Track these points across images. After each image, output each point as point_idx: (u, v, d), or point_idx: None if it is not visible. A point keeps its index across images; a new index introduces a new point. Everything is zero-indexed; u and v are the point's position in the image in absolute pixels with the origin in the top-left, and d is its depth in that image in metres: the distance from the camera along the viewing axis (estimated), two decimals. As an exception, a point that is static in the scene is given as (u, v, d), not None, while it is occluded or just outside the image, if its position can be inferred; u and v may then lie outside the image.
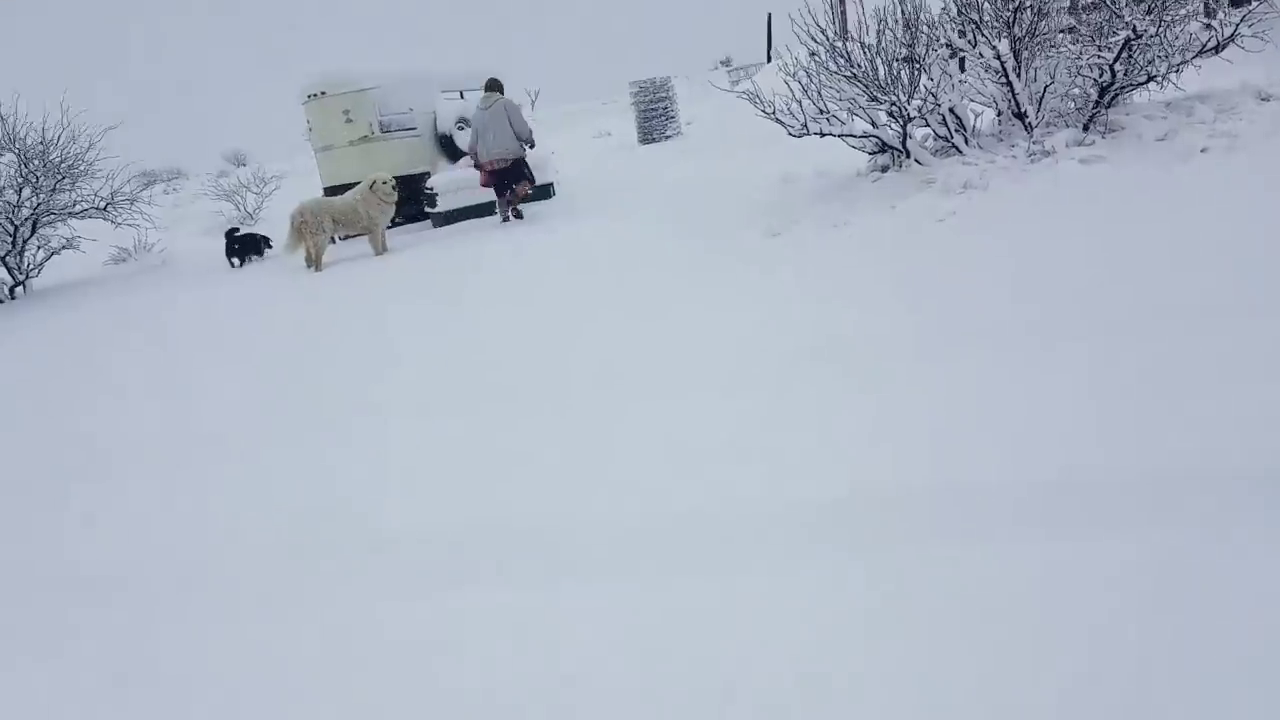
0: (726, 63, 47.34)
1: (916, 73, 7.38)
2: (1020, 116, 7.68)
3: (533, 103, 34.55)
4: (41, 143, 11.10)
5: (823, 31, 7.78)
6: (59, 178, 11.04)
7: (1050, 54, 7.54)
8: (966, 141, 7.87)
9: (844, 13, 9.93)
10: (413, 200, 11.86)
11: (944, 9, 8.10)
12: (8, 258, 11.11)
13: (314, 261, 9.37)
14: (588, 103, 30.23)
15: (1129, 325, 3.57)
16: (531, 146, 10.39)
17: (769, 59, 20.57)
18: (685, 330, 4.88)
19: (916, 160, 7.72)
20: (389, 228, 11.74)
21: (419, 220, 11.83)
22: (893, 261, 5.54)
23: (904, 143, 7.73)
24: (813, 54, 8.00)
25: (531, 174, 10.50)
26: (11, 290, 11.17)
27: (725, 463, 3.08)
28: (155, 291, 10.03)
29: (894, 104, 7.38)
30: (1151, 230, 4.82)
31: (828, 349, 4.04)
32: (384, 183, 9.57)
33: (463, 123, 12.64)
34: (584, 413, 3.87)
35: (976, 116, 8.11)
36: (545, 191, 12.30)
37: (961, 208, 6.32)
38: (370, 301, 7.60)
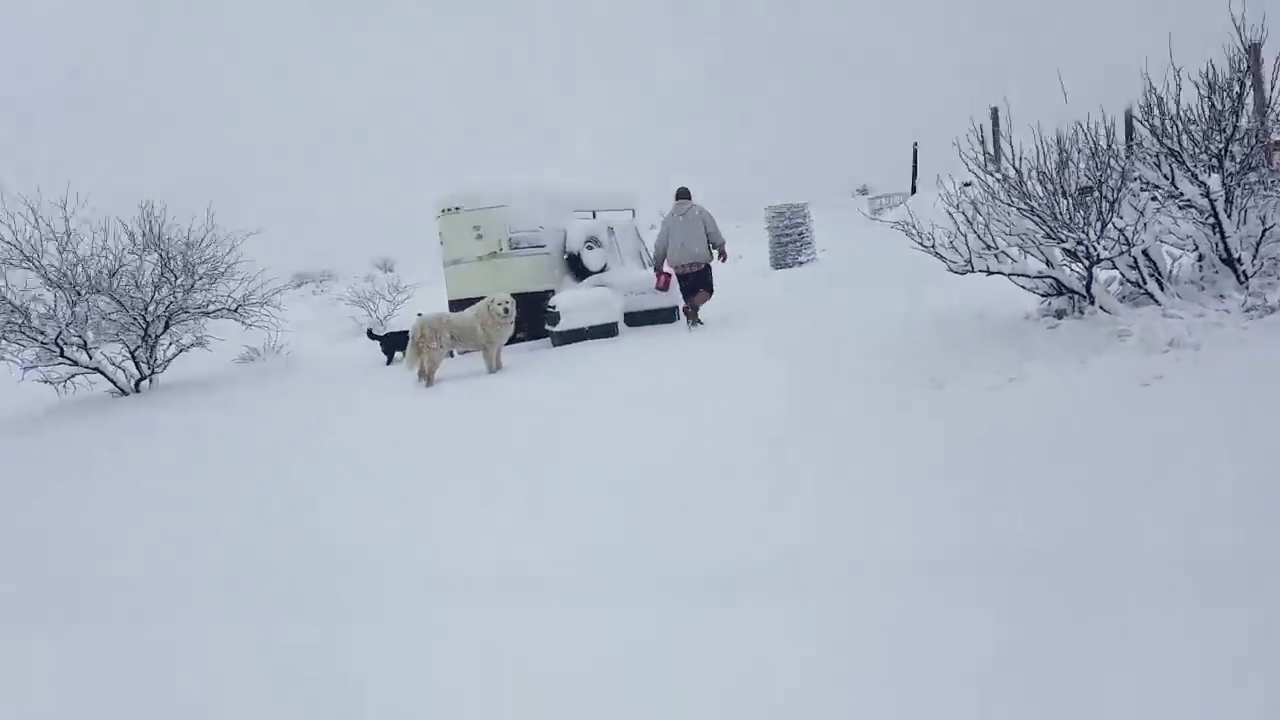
0: (864, 191, 47.17)
1: (1106, 209, 6.40)
2: (1230, 263, 6.56)
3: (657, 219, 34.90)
4: (186, 244, 11.36)
5: (991, 158, 6.96)
6: (196, 278, 11.22)
7: (1270, 193, 6.45)
8: (1162, 288, 6.77)
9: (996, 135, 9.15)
10: (535, 318, 11.47)
11: (1135, 140, 7.16)
12: (137, 352, 11.25)
13: (426, 375, 8.95)
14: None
15: None
16: (723, 258, 10.94)
17: (914, 189, 19.85)
18: (854, 531, 3.95)
19: (1102, 307, 6.66)
20: (510, 343, 11.43)
21: (541, 337, 11.40)
22: (1099, 435, 4.48)
23: (1088, 286, 6.69)
24: (967, 184, 7.19)
25: (712, 283, 10.91)
26: (137, 384, 11.25)
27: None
28: (263, 396, 9.86)
29: (1079, 242, 6.40)
30: None
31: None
32: (499, 304, 9.17)
33: (592, 242, 12.33)
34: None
35: (1174, 260, 7.02)
36: (669, 316, 11.73)
37: (1170, 370, 5.21)
38: (461, 423, 7.02)
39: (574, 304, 11.03)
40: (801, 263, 17.80)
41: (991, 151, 7.65)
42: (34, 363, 10.66)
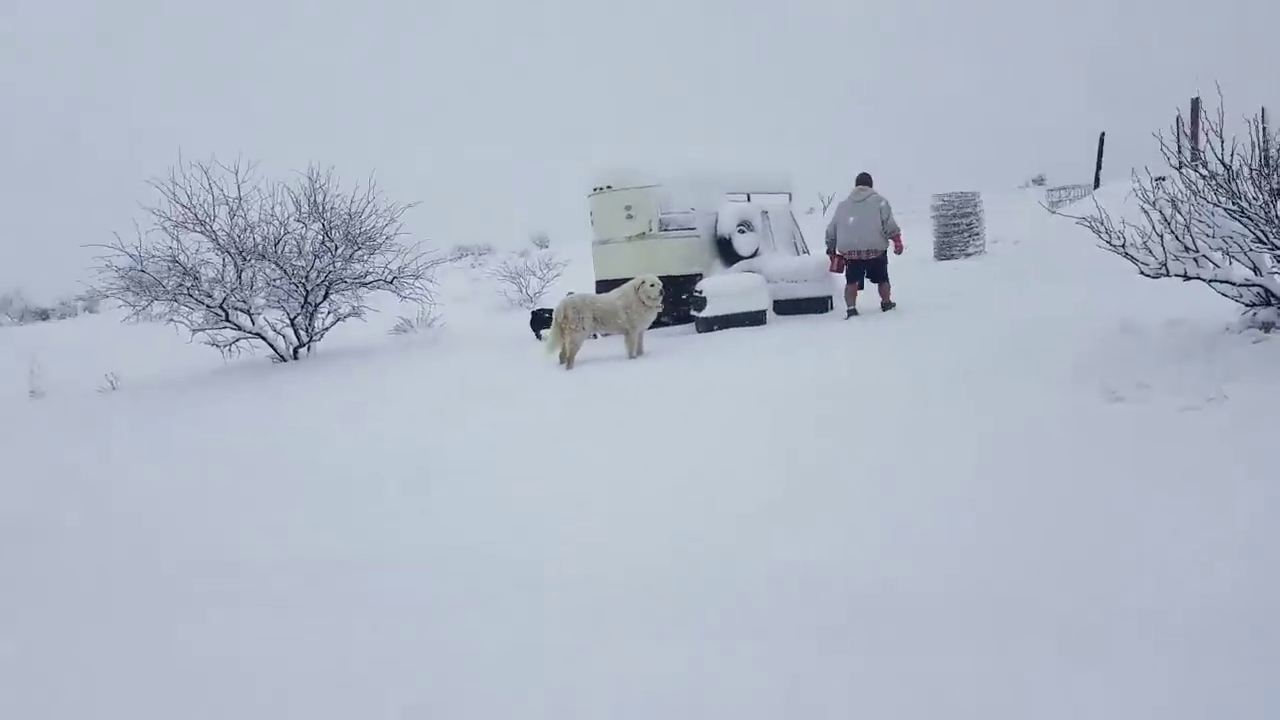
0: (1040, 181, 44.14)
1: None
2: None
3: (816, 203, 33.86)
4: (348, 215, 11.78)
5: (1199, 151, 6.16)
6: (355, 248, 11.59)
7: None
8: (1395, 305, 5.83)
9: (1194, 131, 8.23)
10: (682, 302, 11.26)
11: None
12: (296, 319, 11.77)
13: (567, 358, 8.92)
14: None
15: None
16: (899, 249, 10.75)
17: (1097, 182, 18.31)
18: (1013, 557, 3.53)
19: (1321, 322, 5.80)
20: (655, 326, 11.28)
21: (687, 322, 11.19)
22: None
23: (1307, 298, 5.84)
24: (1160, 178, 6.40)
25: (886, 273, 10.81)
26: (296, 351, 11.78)
27: None
28: (407, 366, 10.15)
29: (1301, 249, 5.57)
30: None
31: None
32: (651, 285, 9.00)
33: (744, 226, 11.97)
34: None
35: None
36: (822, 305, 11.25)
37: None
38: (594, 413, 6.88)
39: (721, 289, 10.74)
40: (969, 254, 16.78)
41: (1189, 146, 6.82)
42: (202, 325, 11.35)
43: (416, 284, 12.22)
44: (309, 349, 12.01)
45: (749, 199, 12.53)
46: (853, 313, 10.42)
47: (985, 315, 9.24)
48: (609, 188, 11.63)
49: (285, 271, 11.32)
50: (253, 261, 11.24)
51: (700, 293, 10.72)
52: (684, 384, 7.44)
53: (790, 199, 13.13)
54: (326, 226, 11.52)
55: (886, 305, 10.69)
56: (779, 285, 11.37)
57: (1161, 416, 4.83)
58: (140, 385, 11.04)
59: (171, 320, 11.32)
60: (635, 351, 9.15)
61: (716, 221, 11.91)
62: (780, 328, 10.31)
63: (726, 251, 11.89)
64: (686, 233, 11.69)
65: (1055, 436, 4.82)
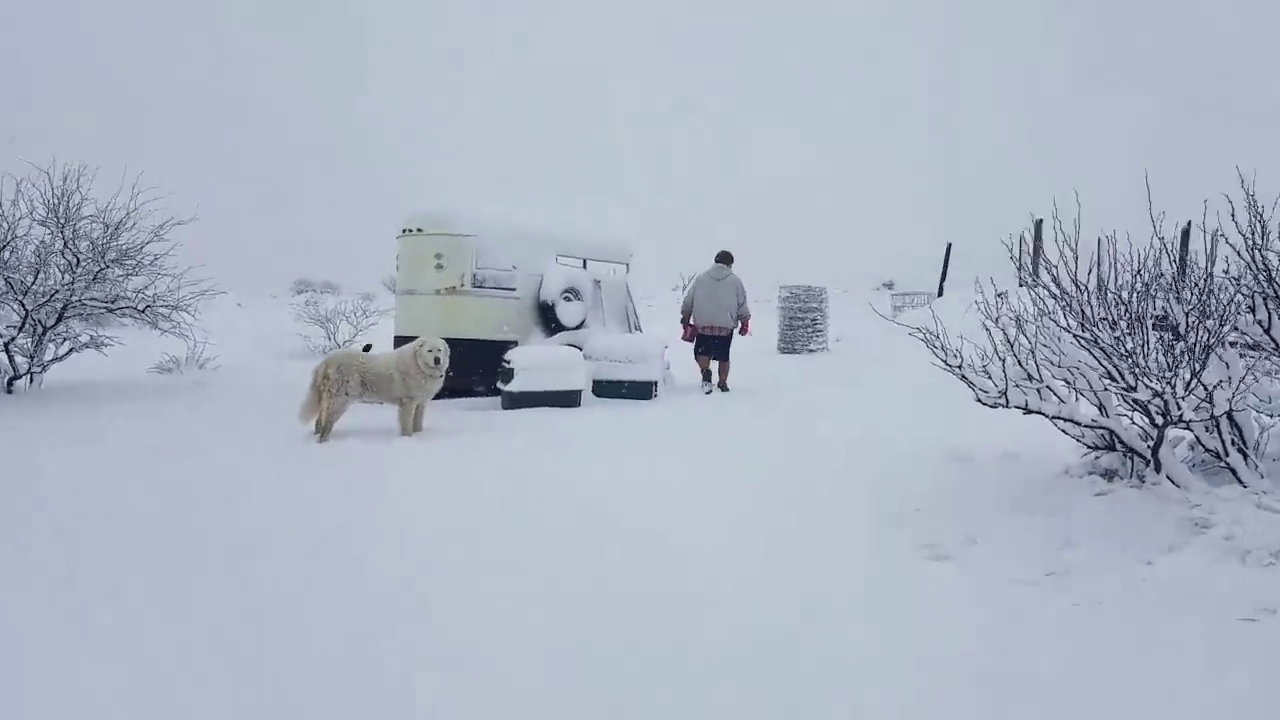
0: (889, 285, 45.71)
1: (1199, 356, 4.81)
2: (1348, 445, 4.95)
3: (679, 281, 33.30)
4: (105, 225, 9.86)
5: (1053, 268, 5.40)
6: (102, 266, 9.64)
7: None
8: (1246, 462, 5.15)
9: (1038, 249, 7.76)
10: (488, 370, 9.92)
11: (1225, 271, 5.57)
12: (9, 345, 9.61)
13: (321, 428, 7.34)
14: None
15: None
16: (745, 331, 11.36)
17: (940, 291, 18.38)
18: None
19: (1170, 478, 5.04)
20: (464, 395, 9.85)
21: (493, 394, 9.83)
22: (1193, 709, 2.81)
23: (1155, 449, 5.08)
24: (1001, 293, 5.67)
25: (728, 353, 11.22)
26: (9, 383, 9.62)
27: None
28: (142, 420, 8.27)
29: (1157, 394, 4.79)
30: None
31: None
32: (429, 351, 7.57)
33: (571, 293, 10.83)
34: None
35: (1263, 430, 5.43)
36: (644, 391, 10.15)
37: (1282, 600, 3.57)
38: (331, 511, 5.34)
39: (534, 362, 9.47)
40: (811, 350, 16.26)
41: (1030, 267, 6.17)
42: None
43: (173, 316, 10.30)
44: (32, 380, 9.87)
45: (585, 265, 11.45)
46: (708, 381, 11.08)
47: (817, 420, 8.35)
48: (419, 230, 10.26)
49: (19, 284, 9.27)
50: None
51: (509, 363, 9.41)
52: (443, 485, 5.94)
53: (628, 269, 12.13)
54: (66, 236, 9.51)
55: (723, 386, 11.11)
56: (601, 364, 10.22)
57: (988, 590, 3.81)
58: None
59: None
60: (412, 428, 7.66)
61: (541, 284, 10.72)
62: (595, 412, 9.09)
63: (548, 319, 10.69)
64: (505, 293, 10.42)
65: (860, 606, 3.70)
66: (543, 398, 9.39)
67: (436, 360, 7.53)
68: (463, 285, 10.10)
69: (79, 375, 10.76)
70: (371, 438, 7.39)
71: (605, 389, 10.19)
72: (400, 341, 10.16)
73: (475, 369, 9.95)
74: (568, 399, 9.50)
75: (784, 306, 16.55)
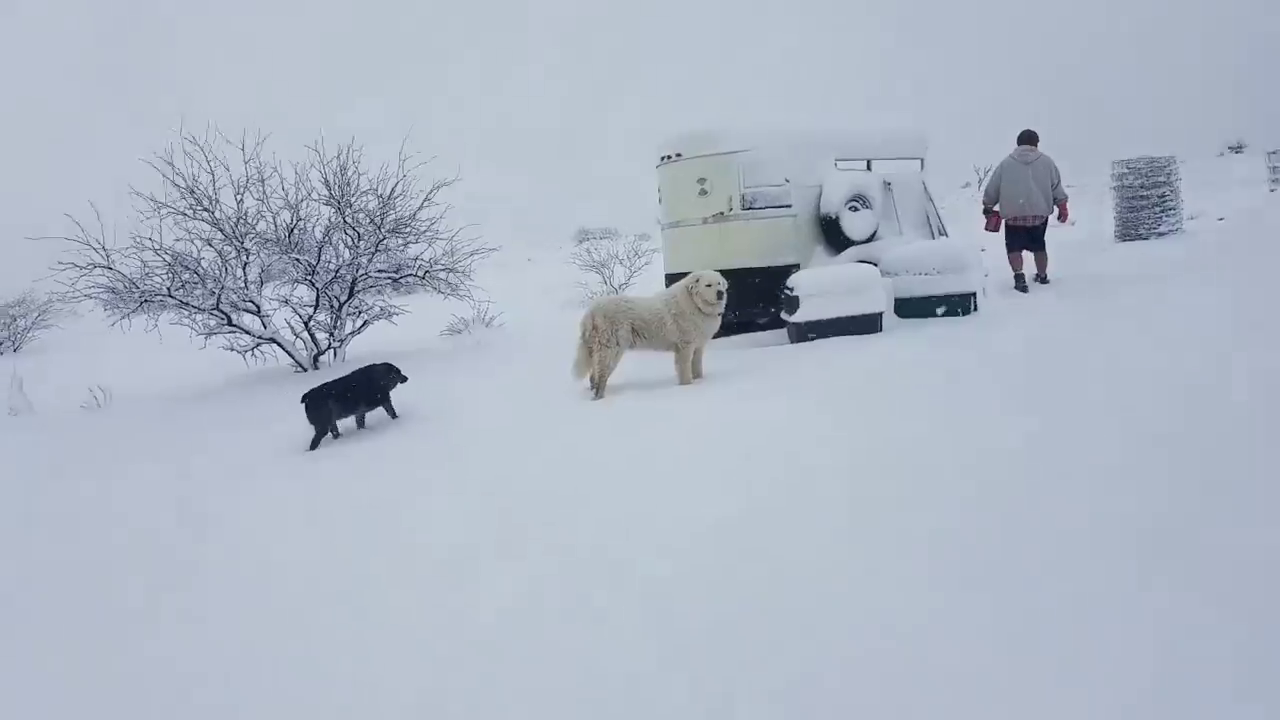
0: (1237, 149, 38.16)
1: None
2: None
3: (971, 176, 29.51)
4: (380, 198, 9.81)
5: None
6: (381, 236, 9.58)
7: None
8: None
9: None
10: (769, 301, 8.72)
11: None
12: (311, 322, 9.89)
13: (597, 385, 6.58)
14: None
15: None
16: (1063, 216, 10.06)
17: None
18: None
19: None
20: (742, 331, 8.77)
21: (778, 326, 8.65)
22: None
23: None
24: None
25: (1044, 241, 9.91)
26: (316, 359, 9.93)
27: None
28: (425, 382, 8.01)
29: None
30: None
31: None
32: (708, 286, 6.51)
33: (858, 202, 9.27)
34: None
35: None
36: (963, 305, 8.42)
37: None
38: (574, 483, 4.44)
39: (821, 285, 8.10)
40: (1161, 234, 13.28)
41: None
42: (209, 329, 9.65)
43: (450, 278, 10.12)
44: (337, 354, 10.16)
45: (869, 167, 9.81)
46: (1021, 281, 9.65)
47: (1173, 332, 6.14)
48: (677, 155, 9.18)
49: (306, 265, 9.47)
50: (258, 254, 9.43)
51: (792, 290, 8.14)
52: (733, 440, 4.88)
53: (922, 165, 10.28)
54: (344, 211, 9.52)
55: (1043, 278, 9.88)
56: (904, 279, 8.61)
57: None
58: (135, 400, 9.48)
59: (180, 324, 9.71)
60: (689, 375, 6.68)
61: (820, 196, 9.26)
62: (904, 333, 7.59)
63: (833, 235, 9.23)
64: (779, 212, 9.09)
65: None
66: (836, 325, 8.02)
67: (719, 295, 6.49)
68: (731, 210, 8.92)
69: (376, 347, 11.02)
70: (648, 392, 6.49)
71: (912, 307, 8.58)
72: (671, 281, 9.24)
73: (753, 301, 8.80)
74: (867, 324, 8.06)
75: (1120, 185, 13.64)
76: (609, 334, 6.53)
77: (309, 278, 9.41)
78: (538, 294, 16.29)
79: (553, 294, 16.14)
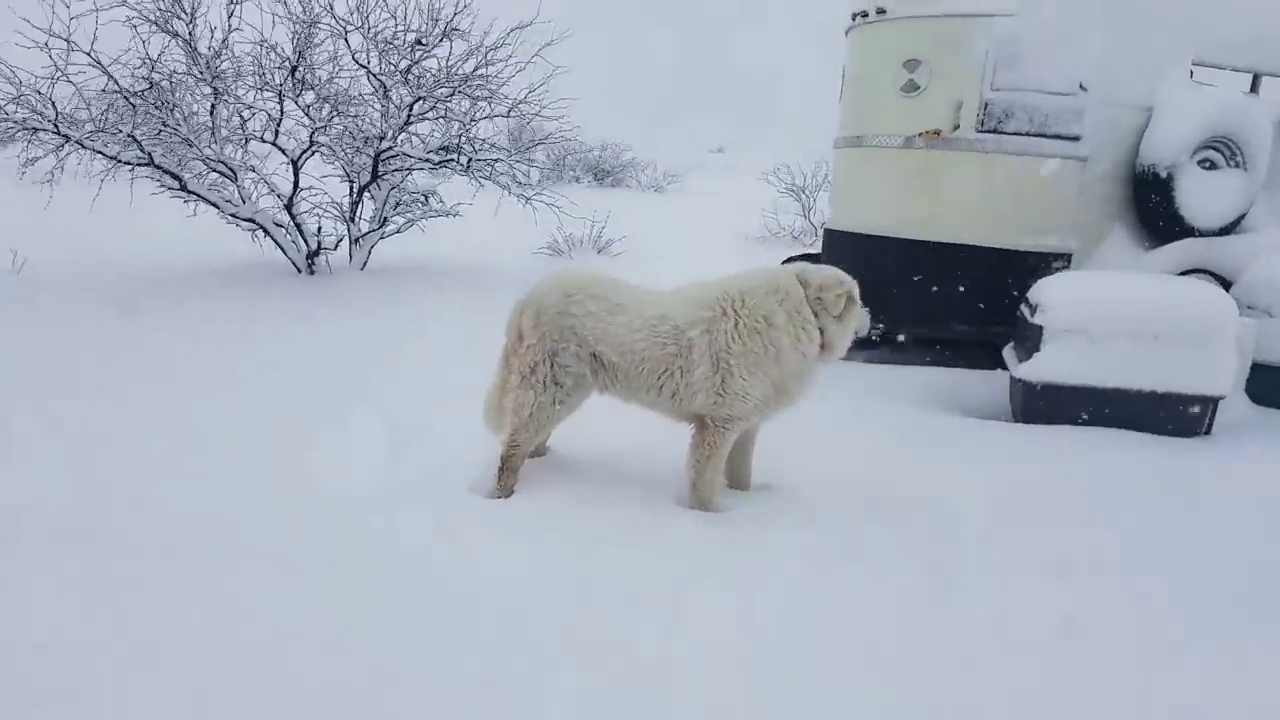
0: None
1: None
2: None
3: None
4: (436, 24, 6.53)
5: None
6: (436, 99, 6.35)
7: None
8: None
9: None
10: (997, 316, 4.67)
11: None
12: (287, 208, 6.78)
13: (503, 461, 2.98)
14: None
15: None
16: None
17: None
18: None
19: None
20: (947, 345, 4.86)
21: (990, 363, 4.63)
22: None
23: None
24: None
25: None
26: (311, 259, 6.83)
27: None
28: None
29: None
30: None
31: None
32: (837, 296, 2.73)
33: (1217, 150, 4.79)
34: None
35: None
36: None
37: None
38: None
39: (1097, 312, 3.92)
40: None
41: None
42: (168, 193, 6.80)
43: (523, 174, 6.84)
44: (353, 258, 7.20)
45: (1255, 86, 5.16)
46: None
47: None
48: (879, 13, 5.01)
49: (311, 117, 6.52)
50: (231, 93, 6.47)
51: (1035, 309, 4.04)
52: None
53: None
54: (370, 36, 6.38)
55: None
56: (1278, 324, 4.24)
57: None
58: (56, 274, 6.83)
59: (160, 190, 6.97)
60: (712, 488, 2.89)
61: (1147, 129, 4.82)
62: (1260, 458, 3.40)
63: (1156, 210, 4.83)
64: (1055, 145, 4.76)
65: None
66: (1113, 402, 3.88)
67: (848, 316, 2.79)
68: (959, 126, 4.75)
69: (427, 249, 8.02)
70: (611, 493, 2.86)
71: (1286, 388, 4.21)
72: (829, 249, 5.38)
73: (970, 304, 4.78)
74: (1176, 415, 3.84)
75: None
76: (539, 354, 2.91)
77: (318, 129, 6.39)
78: (701, 211, 12.74)
79: (730, 221, 12.21)
